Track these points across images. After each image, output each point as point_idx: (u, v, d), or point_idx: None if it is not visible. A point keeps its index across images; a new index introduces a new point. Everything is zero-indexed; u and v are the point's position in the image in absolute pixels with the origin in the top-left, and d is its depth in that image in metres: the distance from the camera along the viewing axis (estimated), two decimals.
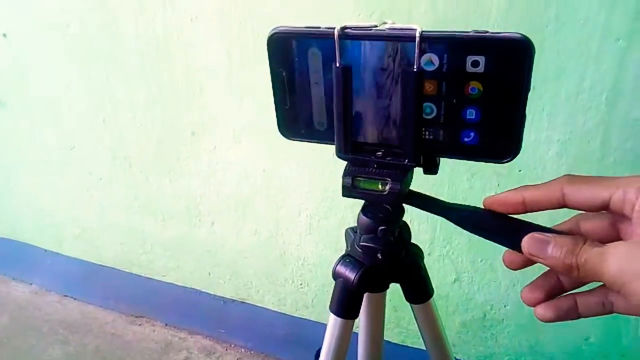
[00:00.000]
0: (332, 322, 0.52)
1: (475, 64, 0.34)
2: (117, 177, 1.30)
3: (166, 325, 1.47)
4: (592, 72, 0.75)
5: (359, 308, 0.51)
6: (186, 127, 1.13)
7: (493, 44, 0.33)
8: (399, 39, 0.36)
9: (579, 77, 0.76)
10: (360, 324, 0.57)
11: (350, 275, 0.49)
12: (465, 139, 0.37)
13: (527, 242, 0.33)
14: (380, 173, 0.41)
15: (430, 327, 0.54)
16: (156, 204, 1.29)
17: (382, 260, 0.46)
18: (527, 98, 0.34)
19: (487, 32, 0.33)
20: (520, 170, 0.86)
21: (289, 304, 1.25)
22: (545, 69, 0.77)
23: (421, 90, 0.36)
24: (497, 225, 0.36)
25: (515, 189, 0.35)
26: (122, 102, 1.18)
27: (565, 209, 0.34)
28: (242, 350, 1.38)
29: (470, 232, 0.38)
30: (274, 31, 0.39)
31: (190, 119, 1.12)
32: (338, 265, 0.51)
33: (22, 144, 1.41)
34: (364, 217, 0.46)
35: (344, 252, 0.52)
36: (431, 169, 0.42)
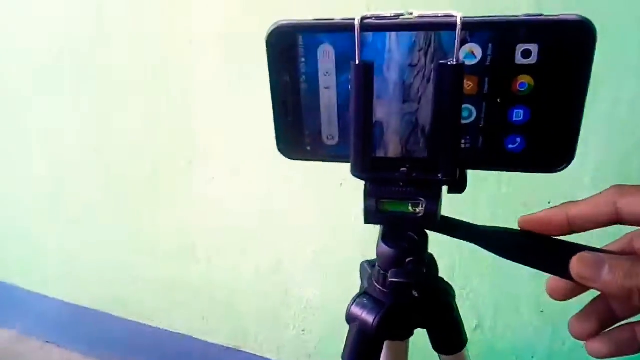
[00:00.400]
0: None
1: (526, 54, 0.29)
2: (108, 211, 1.22)
3: None
4: (632, 86, 0.68)
5: (379, 357, 0.42)
6: (182, 157, 1.06)
7: (549, 28, 0.28)
8: (435, 28, 0.29)
9: (616, 92, 0.69)
10: None
11: (369, 318, 0.40)
12: (510, 146, 0.31)
13: (576, 263, 0.28)
14: (409, 192, 0.34)
15: None
16: (148, 240, 1.20)
17: (418, 297, 0.37)
18: (587, 93, 0.29)
19: (541, 14, 0.28)
20: (549, 202, 0.77)
21: (289, 353, 1.14)
22: None
23: (462, 90, 0.29)
24: (537, 247, 0.32)
25: (558, 206, 0.31)
26: (115, 132, 1.11)
27: (611, 228, 0.30)
28: None
29: (506, 257, 0.33)
30: (275, 26, 0.32)
31: (186, 148, 1.04)
32: (353, 306, 0.42)
33: (9, 177, 1.33)
34: (387, 247, 0.38)
35: (358, 291, 0.43)
36: (459, 186, 0.34)
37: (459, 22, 0.28)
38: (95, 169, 1.18)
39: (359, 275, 0.47)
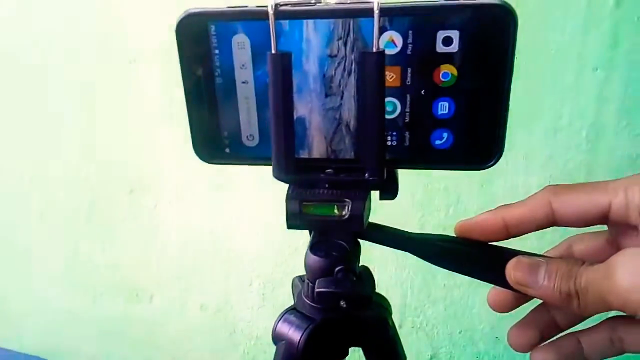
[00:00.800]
0: None
1: (447, 41, 0.28)
2: (44, 246, 1.14)
3: None
4: (569, 106, 0.68)
5: None
6: (123, 184, 1.00)
7: (468, 13, 0.27)
8: (352, 14, 0.28)
9: (555, 112, 0.69)
10: None
11: (295, 336, 0.37)
12: (437, 142, 0.30)
13: (512, 267, 0.27)
14: (334, 194, 0.31)
15: None
16: (87, 278, 1.12)
17: (346, 309, 0.34)
18: (511, 82, 0.28)
19: None
20: None
21: None
22: (518, 105, 0.70)
23: (384, 80, 0.28)
24: (472, 254, 0.30)
25: (493, 210, 0.30)
26: (51, 161, 1.05)
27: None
28: None
29: (443, 267, 0.31)
30: (185, 14, 0.30)
31: (128, 175, 0.99)
32: (279, 323, 0.39)
33: None
34: (315, 257, 0.34)
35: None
36: (390, 190, 0.33)
37: (376, 8, 0.26)
38: (29, 200, 1.11)
39: (291, 293, 0.44)
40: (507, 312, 0.32)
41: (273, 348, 1.08)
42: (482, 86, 0.28)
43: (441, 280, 0.82)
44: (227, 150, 0.33)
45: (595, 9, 0.64)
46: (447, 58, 0.28)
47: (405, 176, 0.76)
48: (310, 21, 0.28)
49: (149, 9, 0.86)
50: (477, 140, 0.30)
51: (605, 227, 0.29)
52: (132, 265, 1.06)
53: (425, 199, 0.78)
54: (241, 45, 0.30)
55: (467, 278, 0.80)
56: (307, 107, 0.31)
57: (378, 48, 0.27)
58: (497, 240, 0.30)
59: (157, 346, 1.11)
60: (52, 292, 1.17)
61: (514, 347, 0.31)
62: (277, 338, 0.38)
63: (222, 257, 0.98)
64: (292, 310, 0.39)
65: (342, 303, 0.33)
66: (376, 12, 0.27)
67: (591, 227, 0.29)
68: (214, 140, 0.33)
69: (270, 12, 0.27)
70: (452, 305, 0.82)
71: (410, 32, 0.28)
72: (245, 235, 0.94)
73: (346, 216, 0.31)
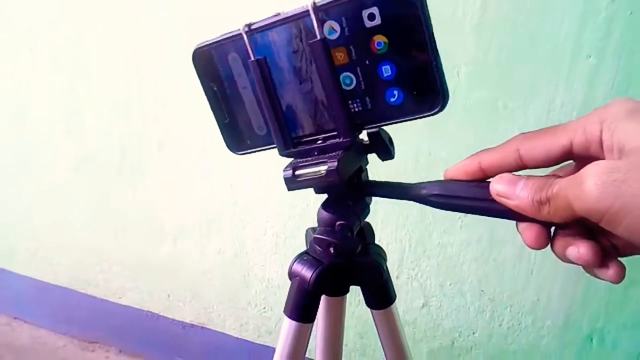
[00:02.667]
0: (286, 327, 0.48)
1: (371, 17, 0.33)
2: (77, 190, 1.24)
3: (120, 351, 1.38)
4: (563, 89, 0.75)
5: (316, 311, 0.47)
6: (152, 138, 1.09)
7: None
8: (298, 18, 0.35)
9: (550, 94, 0.76)
10: (318, 332, 0.52)
11: (307, 274, 0.46)
12: (392, 100, 0.36)
13: (495, 181, 0.30)
14: (319, 158, 0.39)
15: (391, 335, 0.51)
16: (117, 220, 1.23)
17: (334, 256, 0.42)
18: (433, 38, 0.33)
19: None
20: None
21: (251, 330, 1.19)
22: (516, 86, 0.77)
23: (331, 59, 0.35)
24: (466, 190, 0.34)
25: (472, 155, 0.33)
26: (88, 114, 1.14)
27: None
28: None
29: (441, 207, 0.35)
30: (195, 48, 0.40)
31: (157, 130, 1.08)
32: (294, 264, 0.47)
33: None
34: (323, 211, 0.43)
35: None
36: (383, 150, 0.39)
37: (310, 7, 0.34)
38: (66, 149, 1.21)
39: (304, 240, 0.53)
40: (541, 247, 0.31)
41: (283, 290, 1.21)
42: (410, 45, 0.33)
43: (436, 239, 0.91)
44: (248, 142, 0.42)
45: (593, 2, 0.69)
46: (376, 30, 0.34)
47: (410, 145, 0.85)
48: (273, 31, 0.37)
49: None
50: (423, 91, 0.34)
51: None
52: (158, 211, 1.16)
53: (428, 164, 0.86)
54: (234, 60, 0.39)
55: (459, 237, 0.90)
56: (290, 96, 0.38)
57: (321, 36, 0.34)
58: (477, 180, 0.33)
59: (178, 283, 1.23)
60: (84, 231, 1.29)
61: (529, 244, 0.31)
62: (292, 275, 0.47)
63: (240, 208, 1.07)
64: (305, 253, 0.47)
65: (331, 249, 0.42)
66: (311, 10, 0.34)
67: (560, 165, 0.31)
68: (237, 136, 0.42)
69: (243, 32, 0.37)
70: (444, 261, 0.92)
71: (343, 18, 0.34)
72: (263, 191, 1.03)
73: (324, 173, 0.37)
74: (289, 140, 0.39)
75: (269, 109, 0.38)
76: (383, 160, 0.41)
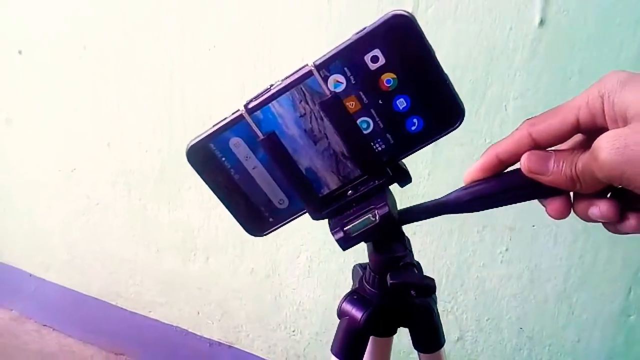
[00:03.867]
0: None
1: (374, 59, 0.34)
2: (115, 203, 1.26)
3: None
4: None
5: (364, 352, 0.47)
6: None
7: (375, 35, 0.33)
8: (298, 82, 0.35)
9: None
10: None
11: (357, 314, 0.45)
12: (412, 128, 0.36)
13: (526, 158, 0.31)
14: (362, 207, 0.38)
15: None
16: (152, 234, 1.25)
17: (415, 296, 0.42)
18: (437, 59, 0.34)
19: (364, 27, 0.34)
20: (534, 225, 0.83)
21: (279, 352, 1.18)
22: None
23: (346, 110, 0.35)
24: (495, 185, 0.34)
25: (486, 151, 0.34)
26: (129, 128, 1.17)
27: None
28: None
29: (474, 210, 0.36)
30: (188, 146, 0.38)
31: None
32: (344, 303, 0.47)
33: (22, 161, 1.38)
34: (378, 255, 0.43)
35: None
36: (402, 179, 0.39)
37: (313, 67, 0.34)
38: (106, 162, 1.23)
39: (351, 278, 0.52)
40: (566, 216, 0.33)
41: (313, 315, 1.20)
42: (418, 72, 0.34)
43: (475, 272, 0.90)
44: (270, 219, 0.41)
45: None
46: (382, 69, 0.34)
47: (453, 174, 0.84)
48: (275, 102, 0.36)
49: None
50: (440, 112, 0.35)
51: None
52: (193, 228, 1.17)
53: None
54: (237, 145, 0.38)
55: (498, 271, 0.89)
56: (307, 159, 0.38)
57: (330, 93, 0.35)
58: (497, 171, 0.34)
59: (209, 301, 1.23)
60: (119, 244, 1.31)
61: (554, 215, 0.33)
62: (341, 314, 0.47)
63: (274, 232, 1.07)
64: (354, 292, 0.47)
65: (412, 292, 0.41)
66: (314, 71, 0.34)
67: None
68: (257, 218, 0.41)
69: (243, 112, 0.36)
70: (482, 295, 0.90)
71: (345, 68, 0.34)
72: None
73: (378, 219, 0.37)
74: (318, 202, 0.39)
75: (291, 179, 0.37)
76: (403, 187, 0.40)
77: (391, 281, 0.40)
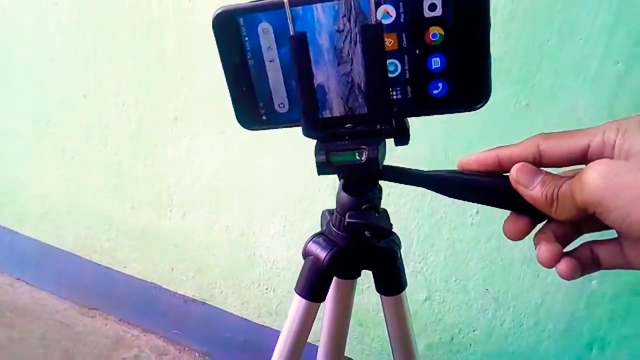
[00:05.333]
0: (296, 304, 0.48)
1: (432, 7, 0.33)
2: (90, 157, 1.25)
3: (120, 319, 1.40)
4: (588, 93, 0.74)
5: (327, 291, 0.48)
6: (169, 110, 1.09)
7: None
8: None
9: (574, 97, 0.75)
10: (325, 313, 0.53)
11: (321, 254, 0.46)
12: (435, 92, 0.36)
13: (517, 168, 0.32)
14: (354, 143, 0.38)
15: (398, 322, 0.51)
16: (127, 190, 1.24)
17: (368, 238, 0.42)
18: (489, 34, 0.33)
19: None
20: None
21: (252, 309, 1.20)
22: (541, 86, 0.76)
23: (382, 44, 0.34)
24: (477, 180, 0.35)
25: (491, 149, 0.34)
26: (106, 79, 1.14)
27: None
28: (196, 354, 1.31)
29: (451, 196, 0.36)
30: (218, 11, 0.37)
31: (175, 102, 1.08)
32: (309, 243, 0.48)
33: None
34: (345, 195, 0.43)
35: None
36: (402, 136, 0.39)
37: None
38: (81, 114, 1.21)
39: (320, 222, 0.53)
40: (520, 239, 0.35)
41: (287, 272, 1.21)
42: (466, 41, 0.33)
43: (445, 234, 0.91)
44: (264, 117, 0.41)
45: (629, 5, 0.68)
46: (434, 21, 0.33)
47: (429, 136, 0.84)
48: (319, 5, 0.35)
49: None
50: (467, 87, 0.35)
51: None
52: (170, 184, 1.17)
53: (443, 158, 0.86)
54: (266, 31, 0.36)
55: (468, 234, 0.90)
56: (324, 75, 0.37)
57: (376, 20, 0.33)
58: (491, 171, 0.34)
59: (184, 257, 1.24)
60: (94, 198, 1.29)
61: (546, 263, 0.33)
62: (306, 254, 0.47)
63: (250, 189, 1.07)
64: (320, 234, 0.47)
65: (366, 233, 0.42)
66: None
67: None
68: (253, 111, 0.40)
69: (286, 2, 0.35)
70: (451, 256, 0.92)
71: (401, 3, 0.33)
72: (275, 173, 1.03)
73: (364, 160, 0.37)
74: (317, 121, 0.38)
75: (301, 86, 0.36)
76: (397, 145, 0.40)
77: (348, 220, 0.41)
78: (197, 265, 1.23)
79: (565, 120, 0.76)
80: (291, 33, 0.35)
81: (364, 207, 0.42)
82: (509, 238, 0.35)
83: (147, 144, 1.15)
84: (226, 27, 0.37)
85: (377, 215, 0.42)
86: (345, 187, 0.44)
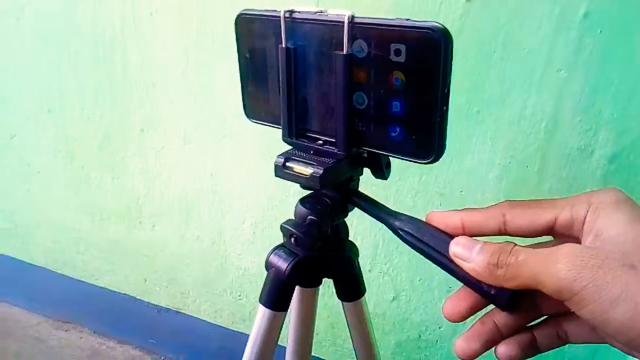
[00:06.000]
0: (261, 314, 0.51)
1: (397, 52, 0.33)
2: (57, 171, 1.25)
3: (94, 332, 1.40)
4: (534, 99, 0.78)
5: (289, 300, 0.50)
6: (135, 123, 1.10)
7: (411, 31, 0.32)
8: (335, 24, 0.35)
9: (521, 103, 0.79)
10: (291, 321, 0.55)
11: (283, 265, 0.48)
12: (392, 134, 0.36)
13: (454, 242, 0.31)
14: (312, 159, 0.40)
15: (360, 326, 0.54)
16: (96, 203, 1.24)
17: (294, 246, 0.45)
18: (447, 94, 0.33)
19: (409, 19, 0.33)
20: (461, 192, 0.88)
21: (226, 316, 1.22)
22: (490, 93, 0.80)
23: (351, 75, 0.36)
24: (433, 237, 0.34)
25: (457, 210, 0.33)
26: (71, 93, 1.14)
27: None
28: None
29: (408, 242, 0.36)
30: (242, 12, 0.41)
31: (140, 115, 1.09)
32: (271, 255, 0.50)
33: None
34: (299, 206, 0.46)
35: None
36: (378, 171, 0.42)
37: (346, 20, 0.34)
38: (46, 129, 1.21)
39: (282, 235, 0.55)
40: (459, 322, 0.33)
41: (259, 279, 1.23)
42: (424, 93, 0.33)
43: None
44: (262, 114, 0.44)
45: (566, 18, 0.73)
46: (398, 66, 0.33)
47: None
48: (310, 26, 0.37)
49: None
50: (421, 138, 0.35)
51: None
52: (138, 196, 1.18)
53: (402, 165, 0.89)
54: (270, 38, 0.40)
55: None
56: (309, 90, 0.39)
57: (348, 51, 0.35)
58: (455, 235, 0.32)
59: (156, 268, 1.25)
60: (62, 212, 1.29)
61: (461, 356, 0.32)
62: (269, 266, 0.50)
63: (219, 197, 1.09)
64: (281, 246, 0.50)
65: (292, 239, 0.45)
66: (346, 23, 0.34)
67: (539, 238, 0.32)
68: (255, 105, 0.44)
69: (282, 15, 0.38)
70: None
71: (372, 41, 0.34)
72: (243, 181, 1.05)
73: (308, 176, 0.38)
74: (294, 129, 0.41)
75: (284, 95, 0.40)
76: (376, 178, 0.42)
77: (281, 224, 0.45)
78: (169, 275, 1.24)
79: (514, 125, 0.81)
80: (282, 45, 0.38)
81: (309, 217, 0.45)
82: (447, 319, 0.33)
83: (114, 156, 1.16)
84: (245, 27, 0.42)
85: (314, 230, 0.44)
86: (302, 199, 0.47)
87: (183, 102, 1.03)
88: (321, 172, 0.38)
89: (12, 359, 1.31)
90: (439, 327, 1.00)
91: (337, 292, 0.53)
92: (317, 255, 0.48)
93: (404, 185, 0.91)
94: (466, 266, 0.30)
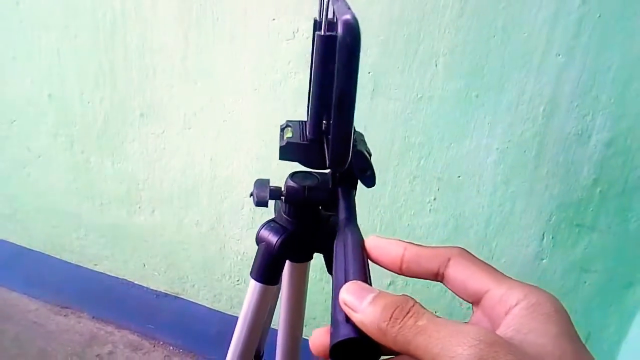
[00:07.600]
0: (252, 288, 0.51)
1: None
2: (57, 156, 1.25)
3: (93, 317, 1.41)
4: (532, 84, 0.78)
5: (280, 274, 0.51)
6: (135, 108, 1.11)
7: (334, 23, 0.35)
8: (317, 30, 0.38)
9: (520, 88, 0.79)
10: (282, 297, 0.56)
11: (273, 239, 0.49)
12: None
13: (345, 288, 0.26)
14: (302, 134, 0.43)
15: None
16: (95, 187, 1.24)
17: (307, 194, 0.46)
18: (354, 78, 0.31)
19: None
20: (459, 176, 0.88)
21: (224, 301, 1.22)
22: (489, 78, 0.80)
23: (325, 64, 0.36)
24: (339, 270, 0.29)
25: (404, 242, 0.29)
26: (71, 78, 1.15)
27: None
28: (171, 347, 1.33)
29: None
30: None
31: (140, 100, 1.09)
32: (262, 230, 0.51)
33: None
34: (291, 182, 0.47)
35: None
36: (366, 179, 0.43)
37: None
38: (47, 114, 1.21)
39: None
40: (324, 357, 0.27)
41: None
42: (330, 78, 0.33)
43: (406, 221, 0.95)
44: None
45: (566, 2, 0.73)
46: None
47: (387, 128, 0.87)
48: (317, 34, 0.37)
49: None
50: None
51: None
52: (138, 180, 1.18)
53: (402, 149, 0.89)
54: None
55: (427, 219, 0.94)
56: (325, 90, 0.37)
57: (325, 34, 0.35)
58: (391, 269, 0.29)
59: (154, 253, 1.25)
60: (62, 197, 1.29)
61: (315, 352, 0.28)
62: (259, 240, 0.50)
63: (218, 182, 1.09)
64: (272, 221, 0.50)
65: (282, 198, 0.47)
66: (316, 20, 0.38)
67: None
68: None
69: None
70: (412, 241, 0.96)
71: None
72: (242, 166, 1.05)
73: (284, 143, 0.43)
74: (317, 122, 0.40)
75: (312, 85, 0.39)
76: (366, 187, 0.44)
77: (287, 184, 0.47)
78: (168, 260, 1.24)
79: (512, 110, 0.81)
80: (321, 33, 0.35)
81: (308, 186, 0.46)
82: (313, 352, 0.27)
83: (114, 141, 1.16)
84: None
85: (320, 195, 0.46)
86: (292, 175, 0.47)
87: (183, 86, 1.03)
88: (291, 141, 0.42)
89: (10, 344, 1.32)
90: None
91: (327, 267, 0.53)
92: (307, 229, 0.49)
93: (402, 170, 0.91)
94: (354, 317, 0.24)
